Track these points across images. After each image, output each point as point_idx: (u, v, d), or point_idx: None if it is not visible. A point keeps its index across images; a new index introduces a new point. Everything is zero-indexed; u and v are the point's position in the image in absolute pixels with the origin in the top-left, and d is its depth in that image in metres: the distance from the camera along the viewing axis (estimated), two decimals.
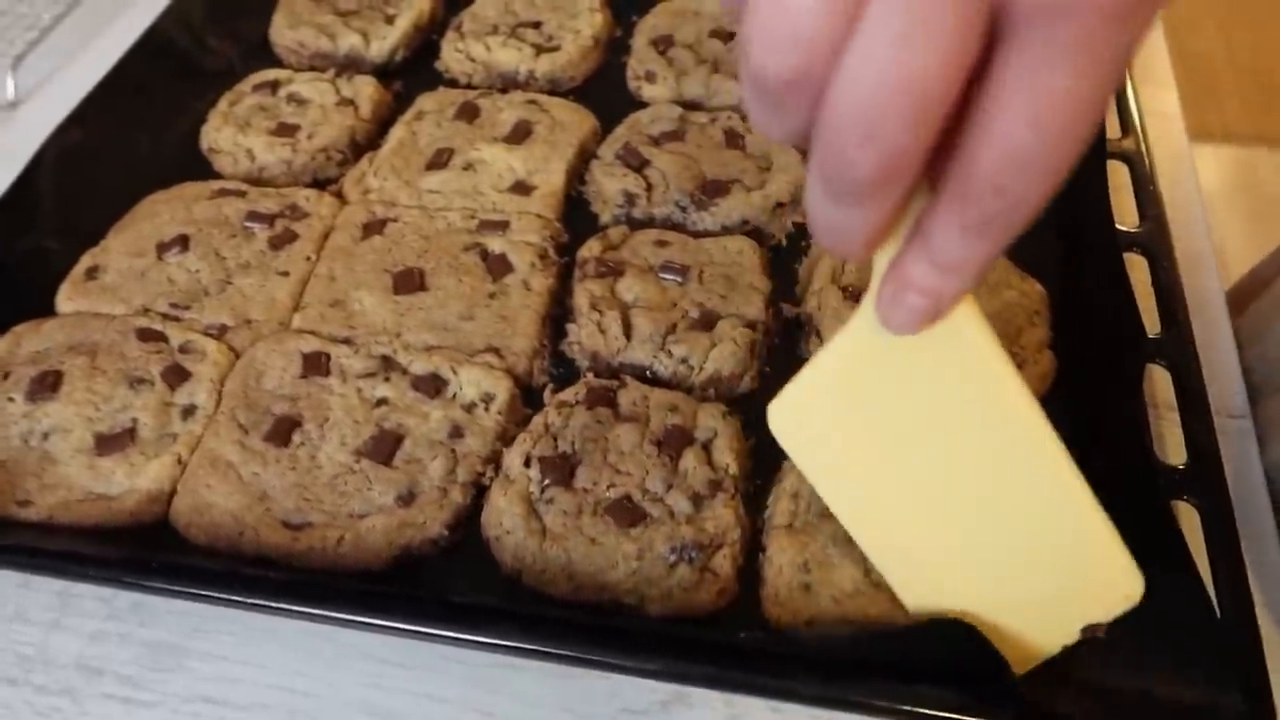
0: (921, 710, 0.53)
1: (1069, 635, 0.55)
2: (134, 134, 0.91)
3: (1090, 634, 0.55)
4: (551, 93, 0.97)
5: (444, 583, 0.64)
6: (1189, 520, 0.62)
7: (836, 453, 0.55)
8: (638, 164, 0.86)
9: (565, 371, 0.76)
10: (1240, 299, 0.87)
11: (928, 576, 0.57)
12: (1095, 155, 0.80)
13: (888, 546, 0.58)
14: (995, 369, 0.46)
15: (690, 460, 0.66)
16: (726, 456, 0.66)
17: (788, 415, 0.55)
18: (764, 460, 0.69)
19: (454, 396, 0.71)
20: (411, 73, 1.01)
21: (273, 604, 0.58)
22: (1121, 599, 0.53)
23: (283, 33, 1.03)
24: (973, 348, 0.45)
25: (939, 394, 0.48)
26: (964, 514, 0.53)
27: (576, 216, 0.86)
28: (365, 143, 0.93)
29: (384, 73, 1.01)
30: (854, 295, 0.75)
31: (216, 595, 0.59)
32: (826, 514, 0.63)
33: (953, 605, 0.56)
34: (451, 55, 1.00)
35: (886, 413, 0.51)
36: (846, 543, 0.61)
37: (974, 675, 0.53)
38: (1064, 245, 0.80)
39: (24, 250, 0.81)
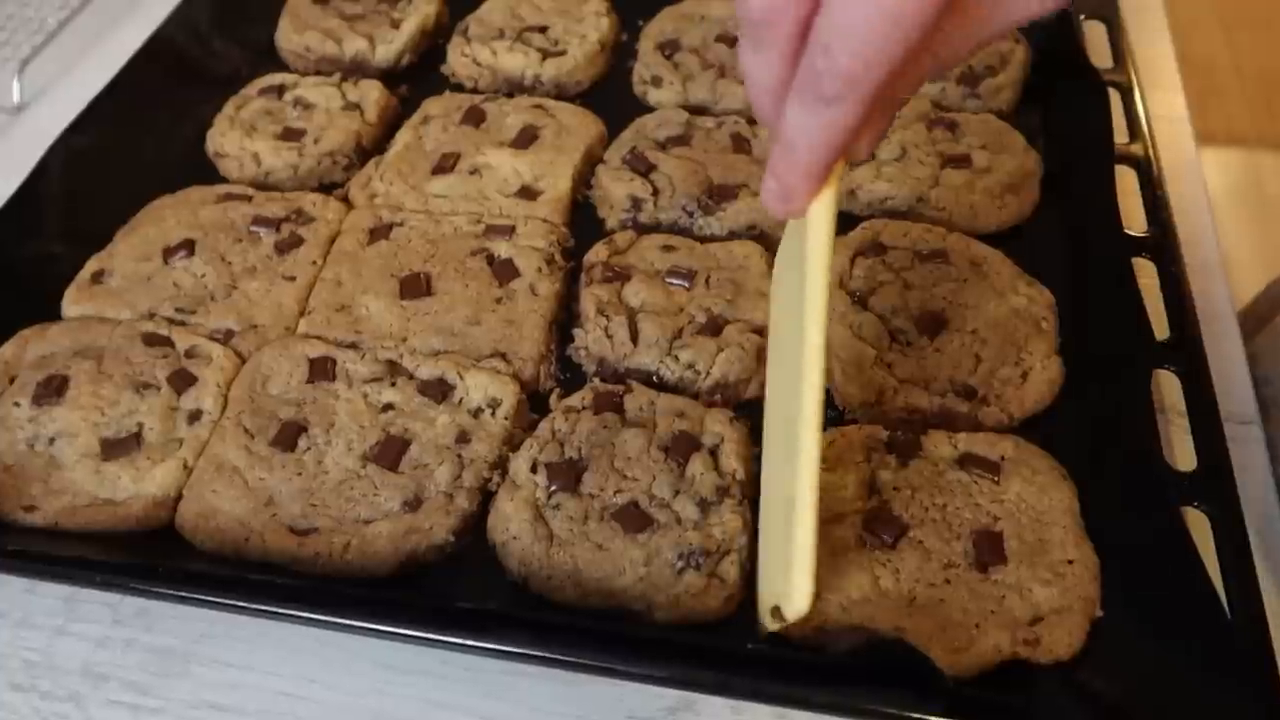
0: (929, 717, 0.52)
1: (765, 615, 0.54)
2: (140, 138, 0.91)
3: (779, 624, 0.52)
4: (558, 97, 0.97)
5: (450, 589, 0.64)
6: (1199, 526, 0.62)
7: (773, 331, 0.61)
8: (644, 169, 0.85)
9: (572, 376, 0.75)
10: (1251, 321, 0.85)
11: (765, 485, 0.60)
12: (1103, 160, 0.80)
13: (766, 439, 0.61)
14: (812, 284, 0.48)
15: (697, 466, 0.65)
16: (733, 462, 0.66)
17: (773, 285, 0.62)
18: None
19: (460, 402, 0.71)
20: (417, 77, 1.02)
21: (279, 610, 0.58)
22: (790, 607, 0.49)
23: (289, 37, 1.03)
24: (808, 261, 0.48)
25: (791, 299, 0.52)
26: (772, 435, 0.57)
27: (582, 221, 0.86)
28: (371, 147, 0.93)
29: (390, 77, 1.01)
30: (861, 300, 0.75)
31: (223, 601, 0.59)
32: (834, 520, 0.63)
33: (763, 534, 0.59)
34: (457, 60, 1.00)
35: (781, 299, 0.58)
36: (855, 549, 0.61)
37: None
38: (1072, 251, 0.80)
39: (30, 254, 0.81)
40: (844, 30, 0.40)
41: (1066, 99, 0.90)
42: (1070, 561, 0.61)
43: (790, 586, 0.48)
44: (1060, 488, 0.64)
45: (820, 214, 0.47)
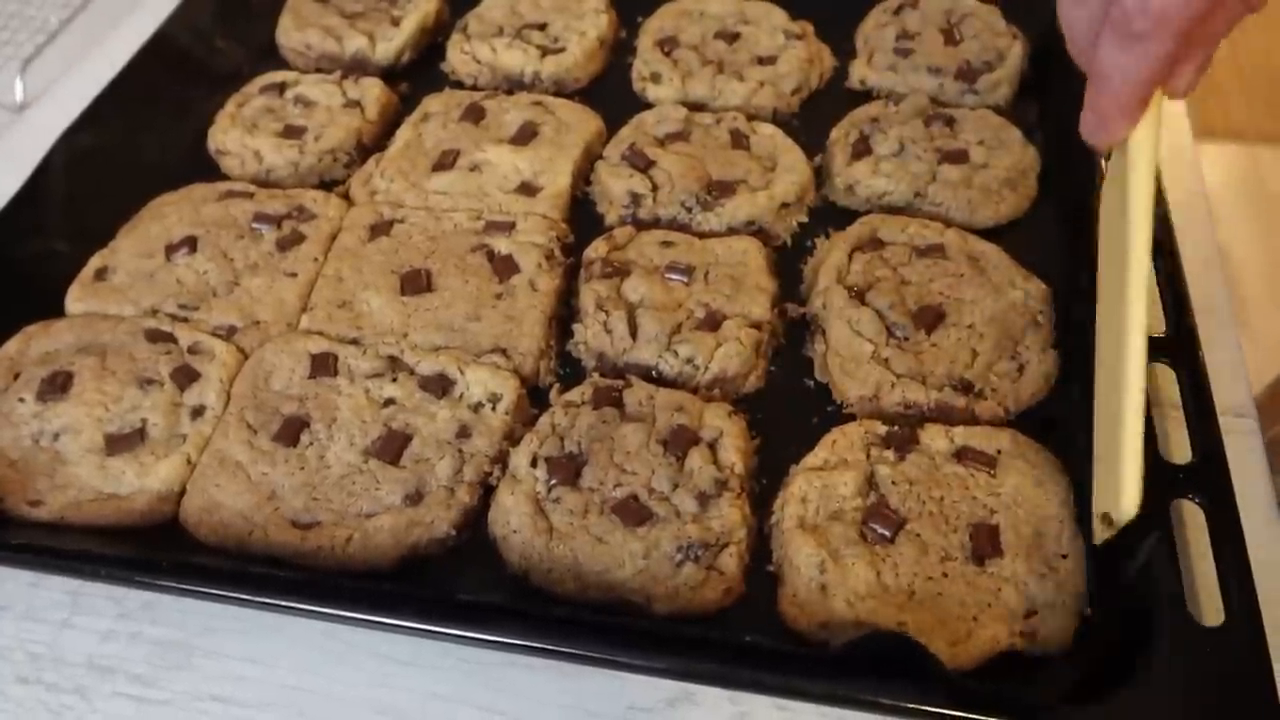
0: (927, 708, 0.53)
1: (1097, 525, 0.58)
2: (142, 136, 0.92)
3: (1109, 531, 0.56)
4: (557, 94, 0.97)
5: (451, 582, 0.64)
6: (1194, 519, 0.62)
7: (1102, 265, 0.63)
8: (643, 165, 0.86)
9: (571, 371, 0.76)
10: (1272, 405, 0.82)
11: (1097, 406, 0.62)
12: (1099, 154, 0.80)
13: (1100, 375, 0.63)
14: (1136, 210, 0.54)
15: (696, 459, 0.66)
16: (732, 455, 0.66)
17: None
18: (769, 459, 0.69)
19: (461, 397, 0.71)
20: (417, 74, 1.02)
21: (282, 603, 0.59)
22: (1119, 507, 0.54)
23: (290, 35, 1.03)
24: (1132, 188, 0.54)
25: (1114, 232, 0.58)
26: (1104, 359, 0.60)
27: (582, 217, 0.86)
28: (372, 144, 0.93)
29: (390, 74, 1.01)
30: (859, 295, 0.76)
31: (227, 594, 0.59)
32: (835, 516, 0.63)
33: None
34: (457, 57, 1.01)
35: (1107, 236, 0.61)
36: (858, 543, 0.62)
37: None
38: (1069, 245, 0.80)
39: (34, 251, 0.81)
40: None
41: (1064, 94, 0.90)
42: (1064, 556, 0.61)
43: (1121, 493, 0.54)
44: (1056, 481, 0.65)
45: (1142, 143, 0.53)
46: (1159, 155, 0.53)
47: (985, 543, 0.62)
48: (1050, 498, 0.64)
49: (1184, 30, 0.45)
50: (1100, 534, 0.57)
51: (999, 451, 0.66)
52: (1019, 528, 0.63)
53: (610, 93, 0.98)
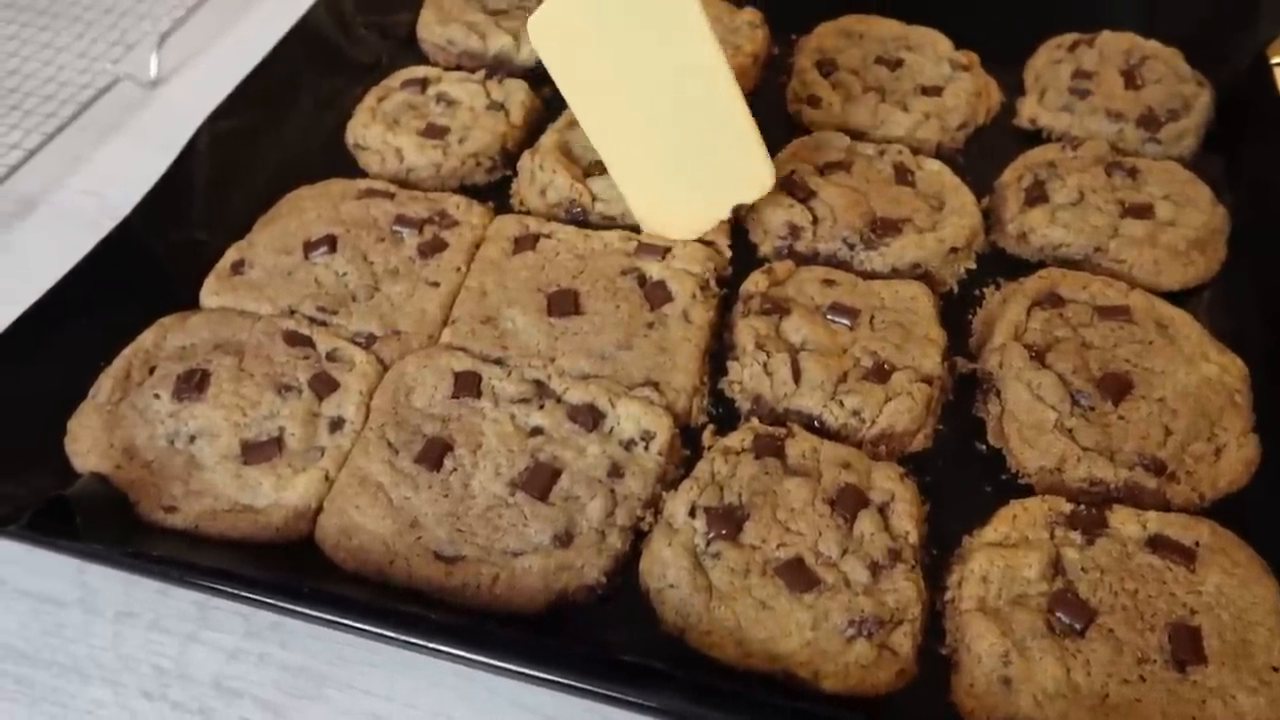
0: None
1: (723, 211, 0.78)
2: (282, 125, 0.90)
3: (738, 213, 0.78)
4: None
5: (600, 633, 0.60)
6: None
7: (586, 69, 0.75)
8: (803, 195, 0.81)
9: (724, 412, 0.72)
10: None
11: (638, 174, 0.78)
12: None
13: (619, 159, 0.78)
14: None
15: (866, 524, 0.61)
16: (906, 523, 0.62)
17: (546, 28, 0.74)
18: (937, 527, 0.64)
19: (611, 431, 0.67)
20: None
21: (428, 644, 0.55)
22: (756, 186, 0.76)
23: (431, 29, 1.00)
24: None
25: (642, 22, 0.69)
26: (655, 118, 0.75)
27: (733, 244, 0.82)
28: (515, 150, 0.90)
29: (532, 76, 0.97)
30: (1039, 355, 0.70)
31: (370, 629, 0.56)
32: (1017, 601, 0.59)
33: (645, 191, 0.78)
34: None
35: (617, 33, 0.71)
36: (1045, 635, 0.57)
37: None
38: (1264, 316, 0.74)
39: (174, 239, 0.79)
40: None
41: (1259, 148, 0.84)
42: (1277, 669, 0.56)
43: (754, 169, 0.75)
44: (1263, 583, 0.59)
45: None
46: None
47: (1186, 646, 0.56)
48: (1258, 602, 0.58)
49: None
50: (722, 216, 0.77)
51: (1198, 544, 0.61)
52: (1224, 633, 0.57)
53: (762, 112, 0.93)
